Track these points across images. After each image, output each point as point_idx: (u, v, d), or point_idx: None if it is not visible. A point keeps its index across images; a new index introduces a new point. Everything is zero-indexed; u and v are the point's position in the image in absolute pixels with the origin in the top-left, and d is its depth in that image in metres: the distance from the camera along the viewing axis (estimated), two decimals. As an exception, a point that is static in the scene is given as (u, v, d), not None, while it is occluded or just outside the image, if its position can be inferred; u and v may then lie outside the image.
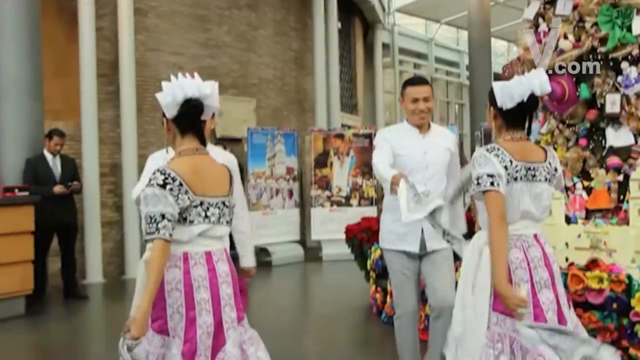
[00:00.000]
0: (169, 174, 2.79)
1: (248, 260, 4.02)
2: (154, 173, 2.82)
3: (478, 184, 3.04)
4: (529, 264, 3.05)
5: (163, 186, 2.76)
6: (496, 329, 3.03)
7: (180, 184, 2.79)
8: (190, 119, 2.99)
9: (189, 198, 2.82)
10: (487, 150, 3.06)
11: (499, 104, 3.11)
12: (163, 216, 2.75)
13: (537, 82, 3.08)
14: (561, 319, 3.05)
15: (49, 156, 8.09)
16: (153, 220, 2.75)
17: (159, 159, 3.90)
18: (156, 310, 2.84)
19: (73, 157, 8.77)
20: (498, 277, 2.95)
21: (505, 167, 3.02)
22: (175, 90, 2.93)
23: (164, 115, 3.04)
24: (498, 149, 3.06)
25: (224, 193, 3.02)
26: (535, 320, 2.99)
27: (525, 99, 3.07)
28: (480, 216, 3.22)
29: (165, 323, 2.85)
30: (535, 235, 3.14)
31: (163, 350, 2.84)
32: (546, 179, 3.13)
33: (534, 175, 3.08)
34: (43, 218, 7.54)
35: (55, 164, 8.11)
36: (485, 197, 3.04)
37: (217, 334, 2.89)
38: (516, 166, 3.04)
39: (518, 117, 3.14)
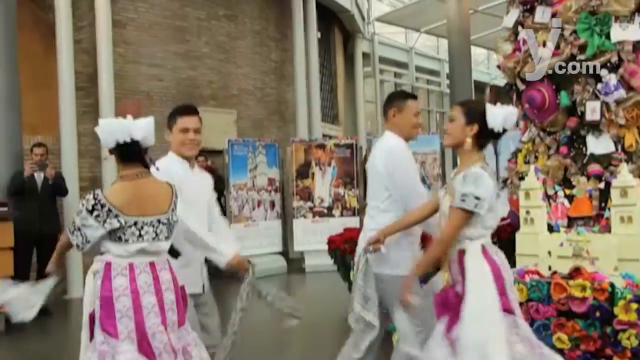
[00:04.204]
0: (99, 201, 3.11)
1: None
2: (90, 195, 3.15)
3: (463, 200, 3.15)
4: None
5: (90, 211, 3.10)
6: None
7: (110, 210, 3.11)
8: (127, 155, 3.24)
9: (118, 220, 3.12)
10: (482, 168, 3.21)
11: (490, 124, 3.25)
12: (79, 229, 3.15)
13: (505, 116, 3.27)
14: None
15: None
16: (76, 229, 3.17)
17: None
18: (105, 314, 3.10)
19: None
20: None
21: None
22: (106, 136, 3.16)
23: None
24: (486, 170, 3.22)
25: (162, 211, 3.27)
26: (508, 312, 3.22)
27: (501, 130, 3.27)
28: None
29: (115, 327, 3.08)
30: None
31: (111, 351, 3.07)
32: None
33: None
34: (24, 230, 7.50)
35: (38, 175, 8.27)
36: (458, 212, 3.18)
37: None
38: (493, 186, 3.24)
39: (488, 142, 3.37)
